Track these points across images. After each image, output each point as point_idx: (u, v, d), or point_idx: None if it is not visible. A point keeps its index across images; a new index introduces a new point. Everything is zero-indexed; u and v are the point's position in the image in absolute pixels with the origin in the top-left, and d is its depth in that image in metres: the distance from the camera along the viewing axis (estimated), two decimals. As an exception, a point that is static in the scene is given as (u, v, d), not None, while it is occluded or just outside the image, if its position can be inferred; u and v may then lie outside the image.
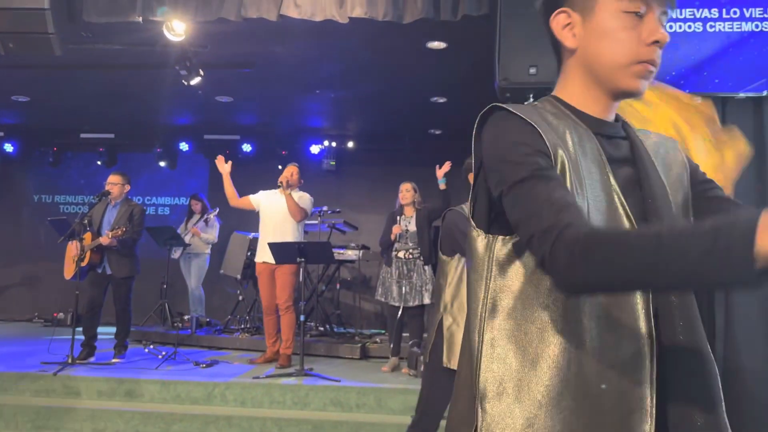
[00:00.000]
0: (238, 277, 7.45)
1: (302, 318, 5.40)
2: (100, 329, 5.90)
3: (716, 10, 4.30)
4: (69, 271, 6.04)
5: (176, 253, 7.67)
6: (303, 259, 5.41)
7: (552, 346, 1.03)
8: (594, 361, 1.02)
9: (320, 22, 4.56)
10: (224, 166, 5.82)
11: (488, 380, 1.06)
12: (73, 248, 5.92)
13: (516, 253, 1.09)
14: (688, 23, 4.30)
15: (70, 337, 5.59)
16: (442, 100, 7.44)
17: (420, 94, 7.15)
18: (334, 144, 9.09)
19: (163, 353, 5.95)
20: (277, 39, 5.58)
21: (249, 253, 7.19)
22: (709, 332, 4.89)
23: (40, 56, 4.79)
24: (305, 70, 6.55)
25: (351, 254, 7.32)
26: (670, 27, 4.30)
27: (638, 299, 1.05)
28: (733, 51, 4.32)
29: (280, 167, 6.02)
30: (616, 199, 1.09)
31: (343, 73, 6.63)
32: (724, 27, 4.31)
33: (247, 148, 9.10)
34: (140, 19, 4.68)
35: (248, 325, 7.35)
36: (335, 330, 7.38)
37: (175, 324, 7.50)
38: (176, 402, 4.97)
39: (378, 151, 9.00)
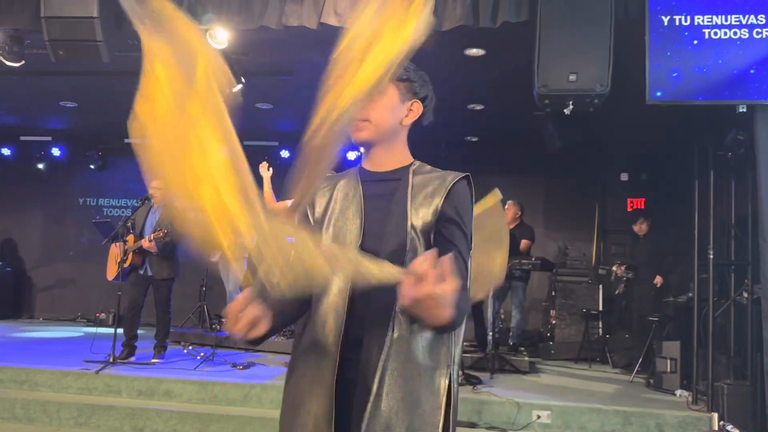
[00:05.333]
0: (275, 281, 7.52)
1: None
2: (139, 330, 6.03)
3: (763, 16, 4.20)
4: (111, 273, 6.20)
5: (215, 257, 7.79)
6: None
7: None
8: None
9: (359, 30, 4.59)
10: (266, 172, 5.82)
11: None
12: (116, 250, 6.08)
13: None
14: (734, 29, 4.21)
15: (112, 337, 5.74)
16: (479, 107, 7.42)
17: (457, 100, 7.14)
18: (370, 150, 9.12)
19: (202, 354, 6.04)
20: (316, 47, 5.62)
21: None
22: (757, 346, 4.75)
23: (88, 63, 4.93)
24: (344, 77, 6.60)
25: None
26: (715, 34, 4.22)
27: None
28: (780, 57, 4.21)
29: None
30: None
31: (380, 80, 6.65)
32: (771, 33, 4.21)
33: (285, 154, 9.21)
34: (184, 26, 4.78)
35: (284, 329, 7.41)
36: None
37: (213, 326, 7.62)
38: (213, 403, 5.05)
39: (413, 157, 8.97)
